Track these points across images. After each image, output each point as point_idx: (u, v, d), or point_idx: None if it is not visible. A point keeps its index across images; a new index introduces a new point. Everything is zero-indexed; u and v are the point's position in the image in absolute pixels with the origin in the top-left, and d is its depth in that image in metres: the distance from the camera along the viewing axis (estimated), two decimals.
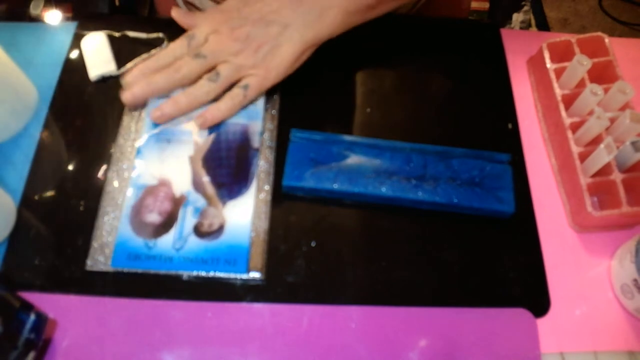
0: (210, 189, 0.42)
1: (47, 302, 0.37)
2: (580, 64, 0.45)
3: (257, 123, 0.46)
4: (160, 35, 0.51)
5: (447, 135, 0.47)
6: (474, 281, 0.41)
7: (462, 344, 0.38)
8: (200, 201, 0.42)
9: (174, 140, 0.44)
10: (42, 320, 0.35)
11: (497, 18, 0.78)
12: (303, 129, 0.45)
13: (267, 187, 0.43)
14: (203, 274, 0.39)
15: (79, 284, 0.39)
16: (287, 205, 0.43)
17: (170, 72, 0.44)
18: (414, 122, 0.48)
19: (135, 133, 0.45)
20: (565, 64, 0.47)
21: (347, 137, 0.45)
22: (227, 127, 0.45)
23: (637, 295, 0.38)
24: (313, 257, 0.41)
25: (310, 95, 0.49)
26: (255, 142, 0.45)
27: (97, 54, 0.49)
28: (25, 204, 0.42)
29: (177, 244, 0.40)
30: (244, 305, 0.39)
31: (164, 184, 0.42)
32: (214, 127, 0.45)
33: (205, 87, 0.44)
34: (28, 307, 0.35)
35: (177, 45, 0.45)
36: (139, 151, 0.44)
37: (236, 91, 0.44)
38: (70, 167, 0.44)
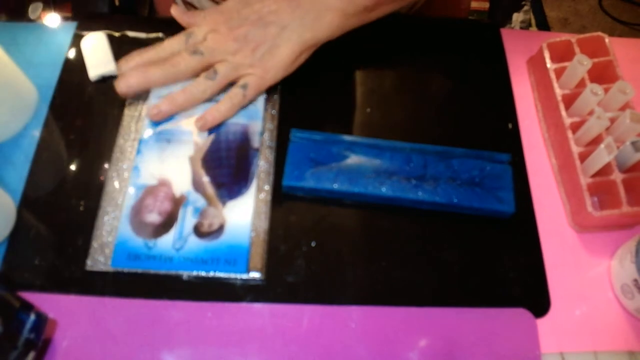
0: (210, 189, 0.42)
1: (47, 302, 0.37)
2: (581, 64, 0.45)
3: (257, 123, 0.46)
4: (160, 35, 0.51)
5: (447, 135, 0.47)
6: (474, 281, 0.41)
7: (462, 344, 0.38)
8: (200, 201, 0.42)
9: (174, 140, 0.44)
10: (42, 320, 0.35)
11: (497, 18, 0.78)
12: (303, 129, 0.45)
13: (267, 187, 0.43)
14: (203, 274, 0.39)
15: (79, 284, 0.39)
16: (287, 205, 0.43)
17: (167, 66, 0.44)
18: (414, 122, 0.48)
19: (135, 133, 0.45)
20: (566, 63, 0.47)
21: (347, 137, 0.45)
22: (227, 127, 0.45)
23: (637, 295, 0.38)
24: (313, 257, 0.41)
25: (310, 95, 0.49)
26: (255, 142, 0.45)
27: (97, 54, 0.49)
28: (25, 204, 0.42)
29: (177, 244, 0.40)
30: (244, 305, 0.39)
31: (164, 184, 0.42)
32: (214, 127, 0.45)
33: (202, 85, 0.44)
34: (28, 307, 0.35)
35: (175, 41, 0.45)
36: (139, 151, 0.44)
37: (235, 91, 0.44)
38: (70, 167, 0.44)
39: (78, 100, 0.47)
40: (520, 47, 0.53)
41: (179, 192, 0.42)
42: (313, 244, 0.42)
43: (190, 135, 0.45)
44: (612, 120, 0.44)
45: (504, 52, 0.53)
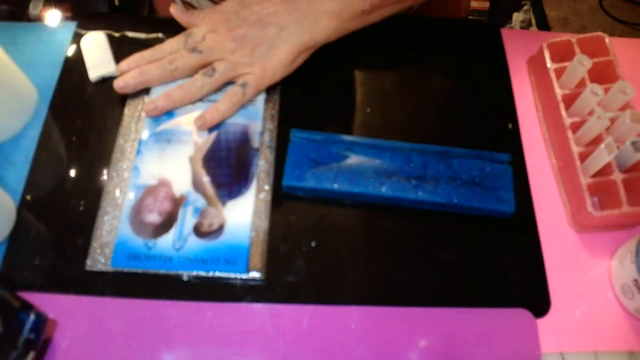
0: (210, 189, 0.42)
1: (47, 302, 0.37)
2: (581, 64, 0.45)
3: (257, 123, 0.46)
4: (160, 35, 0.51)
5: (447, 135, 0.47)
6: (474, 281, 0.41)
7: (462, 344, 0.38)
8: (200, 201, 0.42)
9: (174, 140, 0.44)
10: (42, 320, 0.35)
11: (497, 18, 0.78)
12: (303, 129, 0.45)
13: (267, 187, 0.43)
14: (203, 274, 0.39)
15: (79, 284, 0.39)
16: (287, 205, 0.43)
17: (165, 63, 0.44)
18: (414, 122, 0.48)
19: (135, 133, 0.45)
20: (566, 63, 0.47)
21: (347, 137, 0.45)
22: (227, 127, 0.45)
23: (637, 295, 0.38)
24: (313, 257, 0.41)
25: (310, 95, 0.49)
26: (255, 142, 0.45)
27: (97, 54, 0.49)
28: (25, 204, 0.42)
29: (177, 244, 0.40)
30: (244, 305, 0.39)
31: (164, 184, 0.42)
32: (214, 127, 0.45)
33: (199, 82, 0.44)
34: (28, 307, 0.35)
35: (175, 41, 0.46)
36: (139, 151, 0.44)
37: (234, 90, 0.44)
38: (70, 167, 0.44)
39: (78, 100, 0.47)
40: (520, 47, 0.53)
41: (179, 192, 0.42)
42: (313, 244, 0.42)
43: (190, 135, 0.45)
44: (612, 120, 0.44)
45: (504, 52, 0.53)
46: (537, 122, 0.49)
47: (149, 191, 0.42)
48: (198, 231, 0.41)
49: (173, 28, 0.48)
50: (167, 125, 0.45)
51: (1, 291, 0.34)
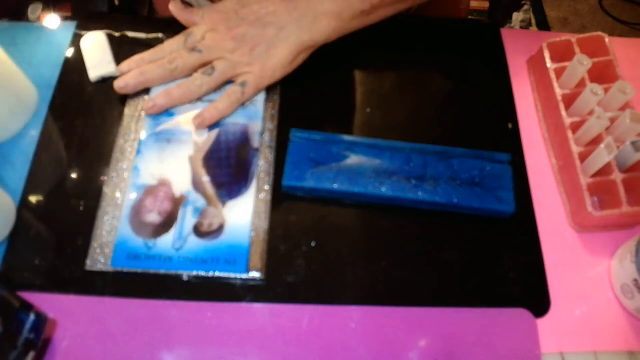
0: (210, 189, 0.42)
1: (47, 302, 0.37)
2: (581, 64, 0.45)
3: (257, 123, 0.46)
4: (160, 35, 0.51)
5: (447, 135, 0.47)
6: (474, 281, 0.41)
7: (462, 344, 0.38)
8: (200, 201, 0.42)
9: (174, 140, 0.44)
10: (42, 320, 0.35)
11: (497, 18, 0.78)
12: (303, 129, 0.45)
13: (267, 187, 0.43)
14: (203, 274, 0.39)
15: (79, 284, 0.39)
16: (287, 205, 0.43)
17: (165, 63, 0.45)
18: (414, 122, 0.48)
19: (135, 133, 0.45)
20: (566, 63, 0.47)
21: (347, 137, 0.45)
22: (227, 127, 0.45)
23: (637, 295, 0.38)
24: (313, 257, 0.41)
25: (310, 95, 0.49)
26: (255, 142, 0.45)
27: (97, 54, 0.49)
28: (25, 204, 0.42)
29: (177, 244, 0.40)
30: (244, 305, 0.39)
31: (164, 184, 0.42)
32: (214, 127, 0.45)
33: (199, 81, 0.44)
34: (28, 307, 0.35)
35: (175, 41, 0.46)
36: (139, 151, 0.44)
37: (234, 89, 0.45)
38: (70, 167, 0.44)
39: (78, 101, 0.47)
40: (520, 47, 0.53)
41: (178, 192, 0.42)
42: (313, 244, 0.42)
43: (190, 136, 0.45)
44: (612, 120, 0.44)
45: (504, 52, 0.53)
46: (537, 122, 0.49)
47: (149, 191, 0.42)
48: (198, 231, 0.41)
49: (173, 28, 0.48)
50: (167, 125, 0.45)
51: (1, 291, 0.34)
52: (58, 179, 0.43)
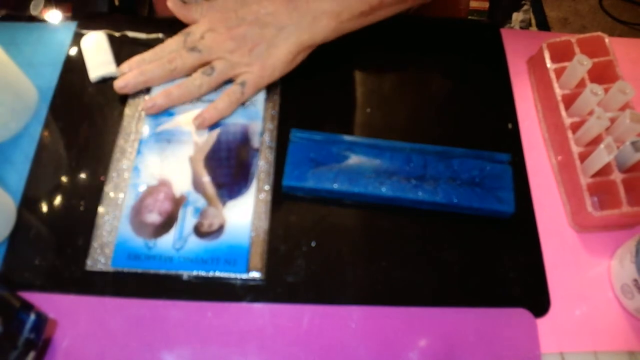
0: (210, 189, 0.42)
1: (47, 302, 0.37)
2: (581, 64, 0.45)
3: (257, 123, 0.46)
4: (160, 36, 0.51)
5: (447, 135, 0.47)
6: (474, 281, 0.41)
7: (462, 344, 0.38)
8: (200, 201, 0.42)
9: (174, 140, 0.45)
10: (42, 320, 0.35)
11: (497, 18, 0.78)
12: (303, 129, 0.45)
13: (267, 187, 0.43)
14: (203, 274, 0.39)
15: (79, 284, 0.39)
16: (287, 205, 0.43)
17: (164, 62, 0.45)
18: (414, 122, 0.48)
19: (136, 133, 0.45)
20: (566, 63, 0.47)
21: (347, 137, 0.45)
22: (227, 127, 0.46)
23: (637, 295, 0.38)
24: (313, 257, 0.41)
25: (310, 95, 0.49)
26: (255, 142, 0.45)
27: (97, 54, 0.49)
28: (25, 204, 0.42)
29: (177, 244, 0.40)
30: (244, 305, 0.39)
31: (164, 184, 0.42)
32: (214, 127, 0.45)
33: (198, 80, 0.44)
34: (28, 307, 0.35)
35: (174, 41, 0.46)
36: (139, 151, 0.44)
37: (233, 88, 0.45)
38: (71, 167, 0.44)
39: (78, 101, 0.47)
40: (520, 47, 0.53)
41: (179, 192, 0.42)
42: (313, 244, 0.42)
43: (190, 136, 0.45)
44: (612, 120, 0.44)
45: (504, 52, 0.53)
46: (537, 122, 0.49)
47: (149, 191, 0.42)
48: (198, 231, 0.41)
49: (173, 28, 0.48)
50: (167, 125, 0.45)
51: (1, 291, 0.34)
52: (58, 178, 0.43)
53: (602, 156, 0.41)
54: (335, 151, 0.44)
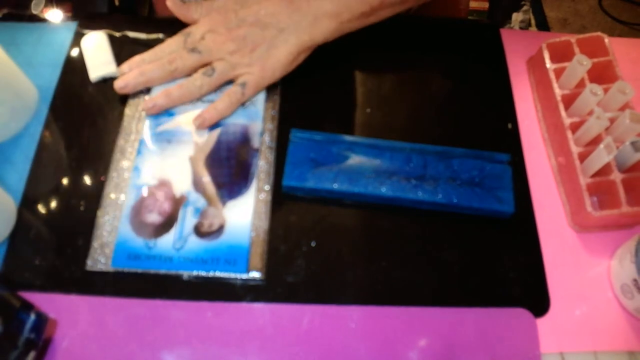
0: (210, 189, 0.42)
1: (47, 302, 0.37)
2: (580, 64, 0.45)
3: (257, 123, 0.46)
4: (161, 36, 0.51)
5: (447, 135, 0.47)
6: (474, 281, 0.41)
7: (462, 344, 0.38)
8: (201, 201, 0.42)
9: (174, 140, 0.45)
10: (42, 320, 0.35)
11: (496, 18, 0.78)
12: (303, 129, 0.45)
13: (267, 187, 0.43)
14: (203, 273, 0.39)
15: (79, 284, 0.39)
16: (287, 205, 0.43)
17: (164, 63, 0.45)
18: (414, 122, 0.48)
19: (136, 134, 0.45)
20: (565, 64, 0.47)
21: (347, 137, 0.45)
22: (227, 127, 0.46)
23: (637, 295, 0.38)
24: (313, 257, 0.41)
25: (310, 95, 0.49)
26: (255, 143, 0.45)
27: (98, 54, 0.49)
28: (25, 204, 0.42)
29: (177, 244, 0.40)
30: (244, 305, 0.39)
31: (164, 184, 0.42)
32: (214, 127, 0.45)
33: (198, 81, 0.44)
34: (28, 307, 0.35)
35: (174, 41, 0.46)
36: (139, 152, 0.44)
37: (234, 89, 0.45)
38: (71, 167, 0.44)
39: (78, 101, 0.47)
40: (520, 47, 0.53)
41: (179, 192, 0.42)
42: (313, 244, 0.42)
43: (190, 136, 0.45)
44: (612, 120, 0.44)
45: (504, 52, 0.53)
46: (536, 122, 0.49)
47: (149, 191, 0.42)
48: (198, 231, 0.41)
49: (173, 28, 0.48)
50: (168, 125, 0.45)
51: (1, 291, 0.34)
52: (58, 178, 0.43)
53: (601, 156, 0.41)
54: (335, 151, 0.44)
